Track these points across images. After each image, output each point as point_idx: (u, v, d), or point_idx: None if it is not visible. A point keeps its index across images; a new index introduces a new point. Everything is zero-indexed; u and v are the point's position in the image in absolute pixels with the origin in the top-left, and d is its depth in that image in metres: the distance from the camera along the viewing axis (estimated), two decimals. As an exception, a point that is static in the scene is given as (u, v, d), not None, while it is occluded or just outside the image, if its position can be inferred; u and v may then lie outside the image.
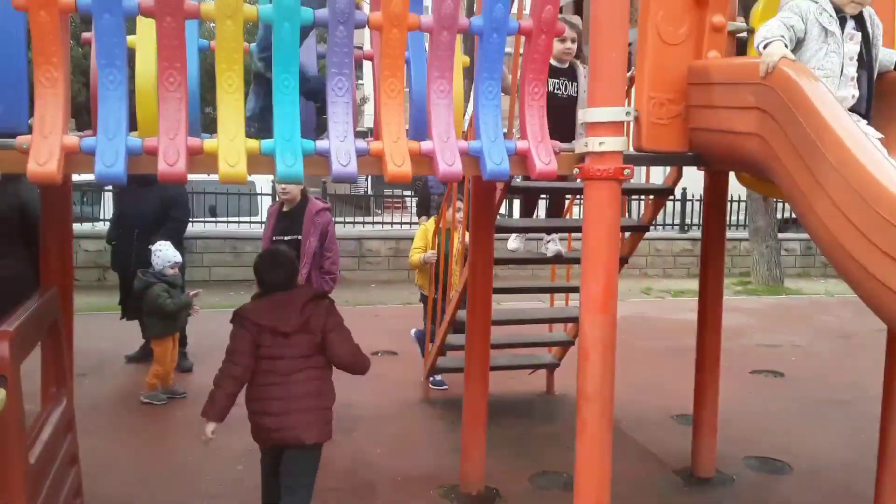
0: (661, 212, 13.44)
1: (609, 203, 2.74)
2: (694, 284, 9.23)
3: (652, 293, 11.41)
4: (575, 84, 4.03)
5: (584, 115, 2.75)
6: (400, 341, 7.26)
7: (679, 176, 4.38)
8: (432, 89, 2.66)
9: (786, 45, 2.57)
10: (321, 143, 2.50)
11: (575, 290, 5.15)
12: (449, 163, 2.59)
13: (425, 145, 2.63)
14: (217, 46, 2.46)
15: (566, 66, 4.03)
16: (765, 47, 2.56)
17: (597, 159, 2.72)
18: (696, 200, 12.60)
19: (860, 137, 2.16)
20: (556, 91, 3.92)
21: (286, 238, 4.97)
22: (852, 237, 2.11)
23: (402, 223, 12.80)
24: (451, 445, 4.71)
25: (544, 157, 2.72)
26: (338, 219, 12.17)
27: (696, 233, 12.80)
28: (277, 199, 5.39)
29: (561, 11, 2.93)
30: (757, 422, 5.47)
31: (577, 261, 3.20)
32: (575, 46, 4.03)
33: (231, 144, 2.39)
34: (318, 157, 2.50)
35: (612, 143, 2.71)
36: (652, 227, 13.25)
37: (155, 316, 5.47)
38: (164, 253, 5.53)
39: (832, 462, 4.70)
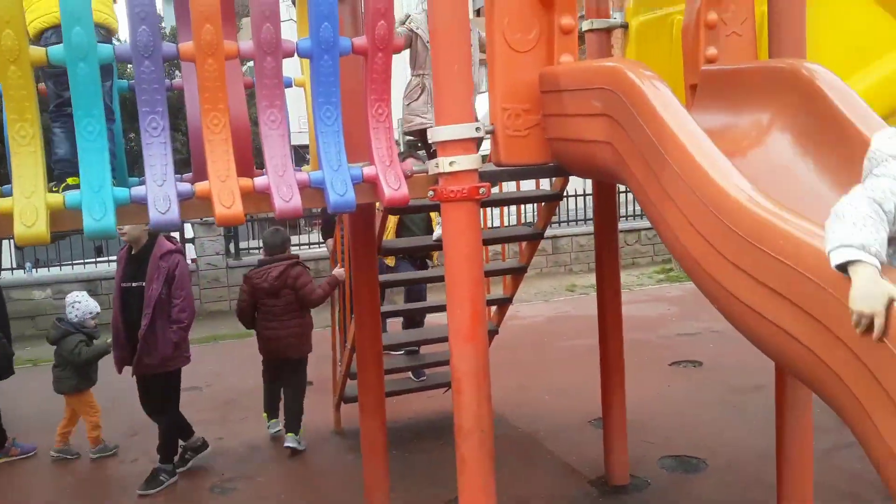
0: (584, 206, 13.42)
1: (468, 225, 2.59)
2: (624, 277, 9.23)
3: (577, 290, 11.41)
4: None
5: (432, 134, 2.59)
6: (316, 367, 7.01)
7: (567, 180, 4.28)
8: (262, 120, 2.46)
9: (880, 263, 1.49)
10: (137, 191, 2.27)
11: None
12: (286, 198, 2.40)
13: (259, 181, 2.43)
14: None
15: None
16: (842, 265, 1.52)
17: (450, 180, 2.57)
18: (621, 192, 12.65)
19: (703, 142, 2.05)
20: None
21: (133, 284, 4.56)
22: (701, 247, 2.00)
23: (311, 244, 12.45)
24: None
25: (393, 182, 2.55)
26: (244, 245, 11.85)
27: (622, 223, 12.86)
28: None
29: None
30: (675, 418, 5.42)
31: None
32: None
33: (28, 202, 2.13)
34: (134, 206, 2.27)
35: (464, 162, 2.56)
36: (574, 223, 13.33)
37: (70, 368, 5.18)
38: (83, 304, 5.28)
39: (748, 453, 4.66)
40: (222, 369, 7.68)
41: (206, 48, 2.26)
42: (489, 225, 5.89)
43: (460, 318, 2.62)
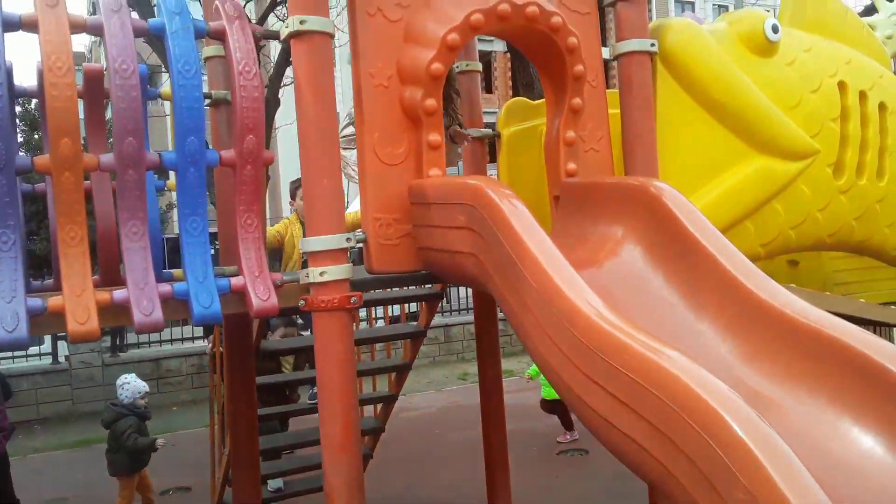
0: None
1: (339, 335, 2.59)
2: (512, 364, 9.28)
3: (469, 378, 11.41)
4: None
5: (304, 244, 2.60)
6: (197, 472, 6.65)
7: (431, 315, 4.36)
8: (124, 232, 2.40)
9: None
10: (-19, 308, 2.15)
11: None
12: (146, 312, 2.32)
13: (118, 294, 2.35)
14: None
15: None
16: None
17: (321, 290, 2.57)
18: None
19: (557, 259, 2.15)
20: None
21: None
22: (558, 358, 2.06)
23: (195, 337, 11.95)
24: None
25: (262, 292, 2.53)
26: (133, 340, 11.27)
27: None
28: None
29: None
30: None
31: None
32: None
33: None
34: (-22, 323, 2.15)
35: (335, 272, 2.57)
36: (466, 311, 13.44)
37: (123, 451, 5.29)
38: (132, 385, 5.42)
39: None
40: (93, 478, 7.15)
41: (64, 162, 2.21)
42: (374, 317, 5.88)
43: (332, 428, 2.57)
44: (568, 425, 7.33)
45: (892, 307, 4.18)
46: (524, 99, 4.31)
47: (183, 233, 2.50)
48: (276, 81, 9.53)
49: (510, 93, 25.36)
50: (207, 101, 3.21)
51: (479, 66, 4.16)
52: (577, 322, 1.97)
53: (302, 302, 2.62)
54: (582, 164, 3.08)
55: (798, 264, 4.78)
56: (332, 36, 2.63)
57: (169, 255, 5.06)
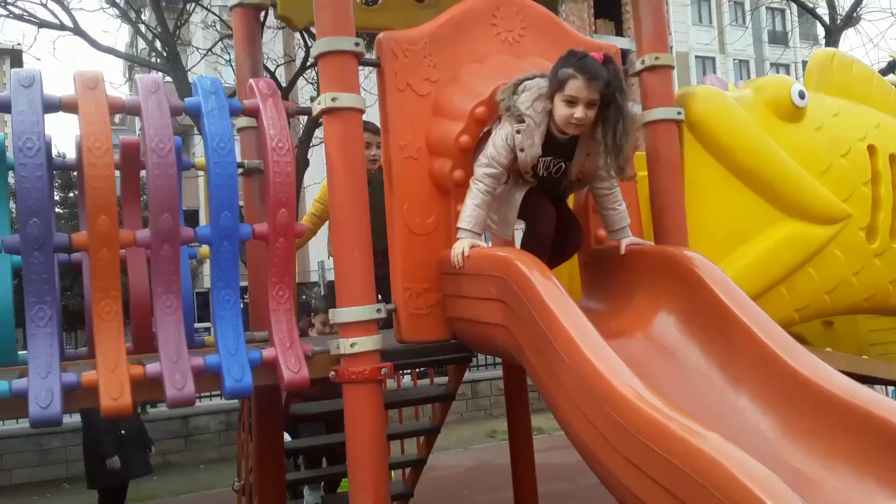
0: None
1: (370, 407, 2.57)
2: (542, 421, 9.13)
3: (497, 435, 11.25)
4: None
5: (334, 315, 2.61)
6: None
7: (460, 378, 4.34)
8: (158, 306, 2.43)
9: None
10: (18, 384, 2.17)
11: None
12: (178, 387, 2.33)
13: (151, 368, 2.37)
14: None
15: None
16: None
17: (351, 361, 2.57)
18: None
19: (591, 335, 2.13)
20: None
21: None
22: (593, 436, 2.03)
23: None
24: None
25: (293, 364, 2.53)
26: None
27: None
28: None
29: None
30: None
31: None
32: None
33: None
34: (14, 400, 2.17)
35: (366, 343, 2.57)
36: (493, 366, 13.32)
37: None
38: None
39: None
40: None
41: (101, 239, 2.26)
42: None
43: (363, 502, 2.54)
44: None
45: (933, 371, 4.07)
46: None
47: (216, 305, 2.52)
48: (305, 143, 9.73)
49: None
50: (241, 170, 3.28)
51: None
52: (614, 402, 1.94)
53: (332, 373, 2.62)
54: (611, 230, 3.07)
55: (833, 325, 4.69)
56: (362, 111, 2.69)
57: (199, 311, 5.12)
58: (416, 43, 2.89)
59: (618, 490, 1.96)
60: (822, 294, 3.47)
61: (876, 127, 3.67)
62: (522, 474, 4.43)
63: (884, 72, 12.02)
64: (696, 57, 32.35)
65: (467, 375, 13.19)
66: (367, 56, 2.80)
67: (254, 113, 2.63)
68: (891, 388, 9.05)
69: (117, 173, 2.77)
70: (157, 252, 2.38)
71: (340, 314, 2.58)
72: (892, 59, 9.50)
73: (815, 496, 1.96)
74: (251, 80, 2.70)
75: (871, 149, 3.60)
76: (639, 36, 3.23)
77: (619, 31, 29.24)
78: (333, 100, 2.62)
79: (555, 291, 2.26)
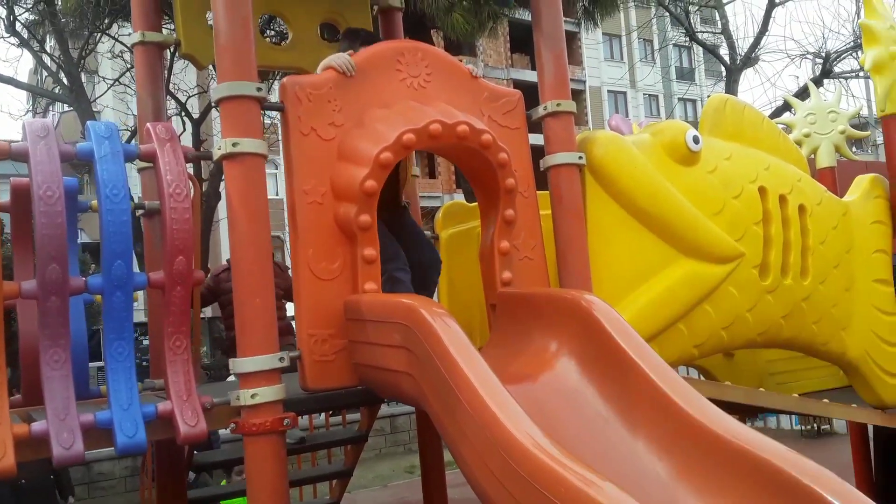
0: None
1: (271, 459, 2.51)
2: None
3: (416, 471, 11.14)
4: None
5: (234, 365, 2.55)
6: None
7: (373, 418, 4.30)
8: (44, 360, 2.32)
9: None
10: None
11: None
12: (66, 445, 2.22)
13: (37, 427, 2.25)
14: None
15: None
16: None
17: (252, 413, 2.50)
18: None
19: (493, 385, 2.14)
20: None
21: None
22: (494, 486, 2.04)
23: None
24: None
25: (190, 417, 2.45)
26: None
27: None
28: None
29: None
30: None
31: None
32: None
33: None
34: None
35: (268, 394, 2.51)
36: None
37: None
38: None
39: None
40: None
41: None
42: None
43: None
44: None
45: (825, 400, 4.27)
46: (460, 202, 4.40)
47: (108, 358, 2.42)
48: (217, 176, 9.54)
49: (452, 177, 25.86)
50: (141, 211, 3.18)
51: (417, 172, 4.24)
52: (513, 451, 1.95)
53: (232, 426, 2.55)
54: (517, 273, 3.12)
55: (733, 356, 4.88)
56: (265, 157, 2.65)
57: (96, 349, 4.95)
58: (321, 87, 2.88)
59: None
60: (718, 330, 3.60)
61: (766, 169, 3.87)
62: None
63: (779, 111, 12.74)
64: (609, 91, 33.45)
65: (385, 410, 13.07)
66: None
67: (150, 158, 2.56)
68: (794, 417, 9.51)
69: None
70: (44, 304, 2.27)
71: (241, 364, 2.52)
72: (785, 99, 10.07)
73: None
74: (148, 125, 2.63)
75: (762, 190, 3.79)
76: (542, 83, 3.32)
77: (536, 66, 29.92)
78: (234, 145, 2.58)
79: (458, 339, 2.27)
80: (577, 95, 29.96)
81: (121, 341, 2.42)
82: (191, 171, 3.05)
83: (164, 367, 2.54)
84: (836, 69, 14.93)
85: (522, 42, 28.57)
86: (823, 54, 15.32)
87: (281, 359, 2.56)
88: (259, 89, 2.67)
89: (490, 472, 2.04)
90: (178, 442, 2.43)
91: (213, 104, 2.68)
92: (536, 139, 3.19)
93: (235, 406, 2.54)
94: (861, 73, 14.71)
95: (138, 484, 9.44)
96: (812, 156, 5.79)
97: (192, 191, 2.97)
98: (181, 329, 2.54)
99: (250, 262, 2.56)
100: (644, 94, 34.67)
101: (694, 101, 34.21)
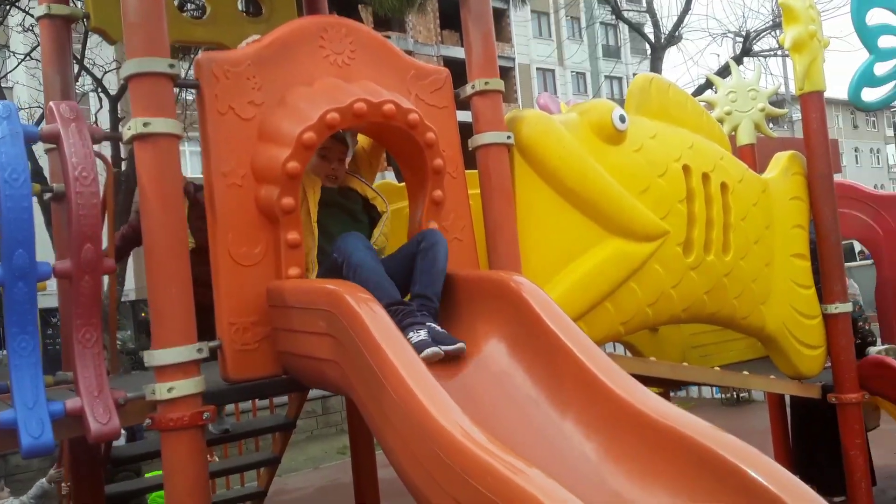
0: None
1: (191, 456, 2.40)
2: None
3: (348, 452, 11.09)
4: None
5: (149, 358, 2.42)
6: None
7: (301, 405, 4.22)
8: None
9: None
10: None
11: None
12: (-36, 449, 2.07)
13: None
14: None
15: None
16: None
17: (168, 408, 2.39)
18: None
19: (419, 370, 2.10)
20: None
21: None
22: (422, 476, 2.00)
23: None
24: None
25: (101, 415, 2.32)
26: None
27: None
28: None
29: None
30: None
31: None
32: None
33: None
34: None
35: (185, 387, 2.41)
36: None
37: None
38: None
39: None
40: None
41: None
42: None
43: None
44: None
45: (745, 373, 4.40)
46: (390, 182, 4.31)
47: (11, 353, 2.27)
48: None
49: (384, 162, 25.57)
50: (49, 194, 3.00)
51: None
52: (441, 441, 1.91)
53: (148, 421, 2.43)
54: (446, 255, 3.07)
55: (658, 331, 4.98)
56: (179, 137, 2.52)
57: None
58: (239, 64, 2.75)
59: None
60: (644, 307, 3.65)
61: (690, 147, 3.92)
62: (365, 491, 4.41)
63: (701, 88, 13.03)
64: (538, 69, 33.65)
65: (317, 392, 12.93)
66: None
67: (54, 139, 2.40)
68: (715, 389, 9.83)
69: None
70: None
71: (156, 356, 2.40)
72: (707, 77, 10.29)
73: (635, 518, 2.03)
74: (51, 103, 2.46)
75: (686, 168, 3.84)
76: (469, 61, 3.26)
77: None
78: (146, 125, 2.44)
79: (384, 326, 2.21)
80: (507, 73, 30.04)
81: (24, 335, 2.27)
82: (107, 152, 2.88)
83: (74, 361, 2.40)
84: (756, 48, 15.37)
85: (452, 18, 28.40)
86: (744, 33, 15.75)
87: (199, 349, 2.45)
88: (172, 66, 2.53)
89: (417, 461, 2.01)
90: (89, 440, 2.30)
91: (120, 81, 2.51)
92: (465, 117, 3.14)
93: (151, 401, 2.43)
94: (779, 52, 15.18)
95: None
96: (733, 133, 5.93)
97: (104, 173, 2.82)
98: (91, 321, 2.40)
99: (164, 249, 2.43)
100: (572, 72, 35.04)
101: (620, 79, 34.77)
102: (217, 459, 5.39)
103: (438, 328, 2.56)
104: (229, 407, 5.43)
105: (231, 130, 2.69)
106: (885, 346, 4.66)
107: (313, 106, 2.72)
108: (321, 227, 2.91)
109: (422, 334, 2.47)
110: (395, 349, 2.14)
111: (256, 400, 5.47)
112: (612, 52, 33.86)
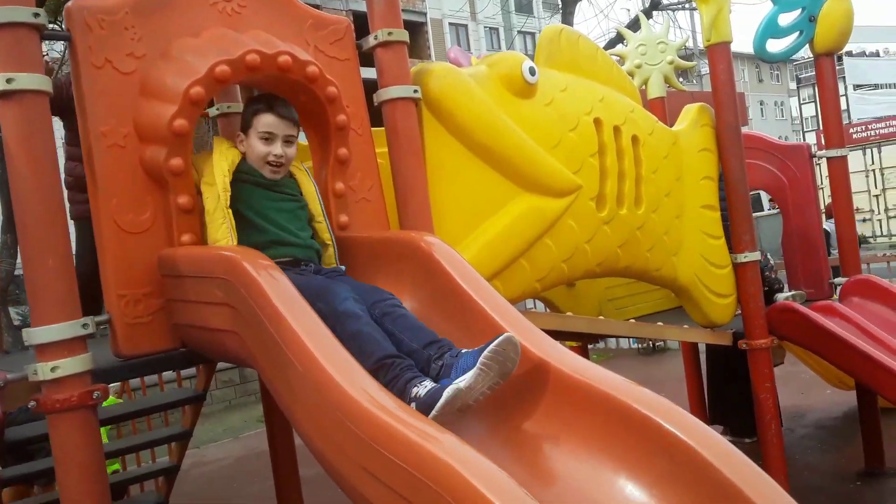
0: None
1: (82, 438, 2.23)
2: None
3: (270, 420, 10.91)
4: None
5: (28, 336, 2.22)
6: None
7: (210, 376, 4.03)
8: None
9: None
10: None
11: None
12: None
13: None
14: None
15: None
16: None
17: (54, 388, 2.20)
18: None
19: (323, 337, 1.97)
20: None
21: None
22: (330, 446, 1.90)
23: None
24: None
25: (-23, 402, 2.11)
26: None
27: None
28: None
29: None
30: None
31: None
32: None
33: None
34: None
35: (71, 365, 2.21)
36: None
37: None
38: None
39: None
40: None
41: None
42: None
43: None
44: None
45: (659, 323, 4.47)
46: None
47: None
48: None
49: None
50: None
51: (241, 108, 3.90)
52: (349, 410, 1.80)
53: (33, 403, 2.23)
54: (354, 215, 2.94)
55: (574, 286, 4.99)
56: (48, 94, 2.28)
57: None
58: (115, 13, 2.50)
59: (359, 502, 1.85)
60: (559, 263, 3.61)
61: (601, 101, 3.87)
62: (282, 459, 4.30)
63: (612, 42, 13.11)
64: (450, 24, 33.29)
65: (234, 360, 12.63)
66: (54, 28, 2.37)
67: None
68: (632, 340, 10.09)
69: None
70: None
71: (36, 334, 2.20)
72: (617, 31, 10.33)
73: (552, 477, 1.99)
74: None
75: (598, 122, 3.79)
76: (371, 10, 3.08)
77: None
78: (9, 81, 2.19)
79: (285, 293, 2.07)
80: (419, 28, 29.58)
81: None
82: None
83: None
84: (665, 1, 15.54)
85: (361, -27, 27.66)
86: (652, -13, 15.87)
87: (84, 325, 2.26)
88: (37, 15, 2.27)
89: (325, 432, 1.90)
90: (-37, 429, 2.10)
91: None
92: (370, 74, 2.98)
93: (35, 381, 2.23)
94: (687, 5, 15.41)
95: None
96: (643, 86, 5.95)
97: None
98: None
99: (38, 218, 2.21)
100: (484, 27, 34.86)
101: (532, 34, 34.78)
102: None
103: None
104: (134, 382, 5.18)
105: (109, 85, 2.46)
106: (792, 293, 4.80)
107: (201, 58, 2.50)
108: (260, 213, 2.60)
109: (427, 384, 2.18)
110: (299, 317, 2.01)
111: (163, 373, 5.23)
112: (525, 7, 33.83)
